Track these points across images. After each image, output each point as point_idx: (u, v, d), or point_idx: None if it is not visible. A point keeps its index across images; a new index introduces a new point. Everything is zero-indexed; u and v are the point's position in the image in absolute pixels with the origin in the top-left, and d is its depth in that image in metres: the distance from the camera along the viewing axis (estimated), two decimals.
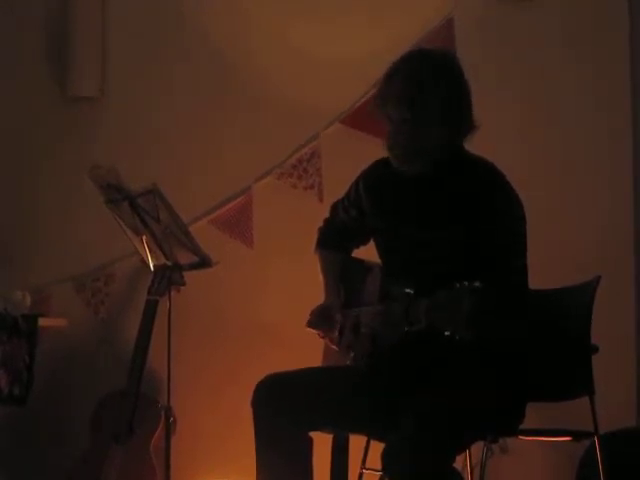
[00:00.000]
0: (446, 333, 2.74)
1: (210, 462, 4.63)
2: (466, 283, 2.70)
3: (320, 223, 3.54)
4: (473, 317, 2.69)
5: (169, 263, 3.91)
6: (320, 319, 3.29)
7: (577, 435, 3.48)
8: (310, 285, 3.43)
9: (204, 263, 3.89)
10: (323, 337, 3.32)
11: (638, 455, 4.17)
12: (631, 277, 4.71)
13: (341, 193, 3.44)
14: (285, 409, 3.09)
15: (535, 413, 3.23)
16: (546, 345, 3.35)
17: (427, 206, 3.10)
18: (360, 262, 3.42)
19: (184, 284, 3.95)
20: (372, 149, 3.30)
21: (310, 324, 3.30)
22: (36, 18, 4.86)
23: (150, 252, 3.92)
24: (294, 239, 4.52)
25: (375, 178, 3.28)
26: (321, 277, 3.41)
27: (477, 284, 2.69)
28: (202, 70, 4.82)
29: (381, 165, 3.27)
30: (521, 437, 3.36)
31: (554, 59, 4.74)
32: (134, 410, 3.95)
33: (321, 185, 4.73)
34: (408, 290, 2.93)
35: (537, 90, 4.74)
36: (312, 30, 4.80)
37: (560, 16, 4.75)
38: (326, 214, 3.52)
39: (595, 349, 3.43)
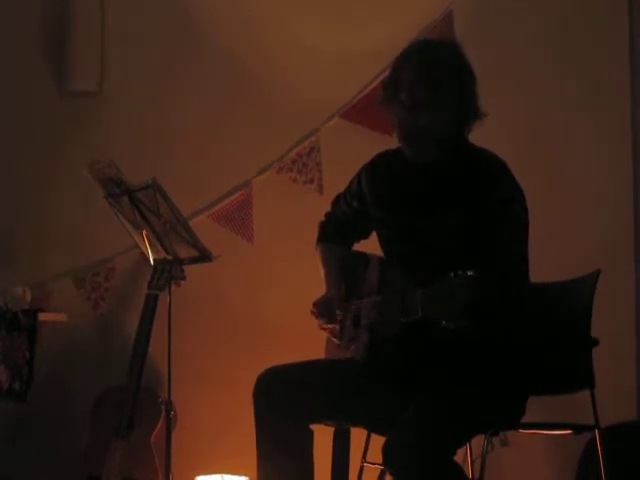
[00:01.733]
0: (443, 323, 2.75)
1: (211, 456, 4.63)
2: (460, 272, 2.70)
3: (320, 217, 3.54)
4: (468, 307, 2.69)
5: (169, 257, 3.90)
6: (322, 311, 3.29)
7: (578, 428, 3.47)
8: (310, 279, 3.42)
9: (204, 257, 3.88)
10: (324, 329, 3.32)
11: (639, 449, 4.18)
12: (631, 270, 4.72)
13: (341, 187, 3.44)
14: (286, 402, 3.10)
15: (536, 406, 3.24)
16: (547, 338, 3.35)
17: (429, 195, 3.10)
18: (360, 254, 3.42)
19: (184, 278, 3.94)
20: (372, 143, 3.31)
21: (313, 314, 3.30)
22: (35, 12, 4.85)
23: (150, 246, 3.91)
24: (294, 233, 4.52)
25: (377, 169, 3.28)
26: (322, 270, 3.41)
27: (471, 273, 2.69)
28: (201, 65, 4.82)
29: (382, 157, 3.28)
30: (522, 430, 3.36)
31: (554, 54, 4.74)
32: (135, 405, 3.94)
33: (321, 179, 4.74)
34: (407, 281, 2.93)
35: (536, 86, 4.75)
36: (312, 25, 4.80)
37: (560, 12, 4.75)
38: (326, 208, 3.52)
39: (595, 342, 3.43)
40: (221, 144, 4.80)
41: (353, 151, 3.38)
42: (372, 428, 3.38)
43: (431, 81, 3.01)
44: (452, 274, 2.71)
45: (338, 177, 3.54)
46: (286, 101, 4.75)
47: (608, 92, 4.77)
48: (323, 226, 3.52)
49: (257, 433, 3.13)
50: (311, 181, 4.74)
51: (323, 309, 3.27)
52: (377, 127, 4.50)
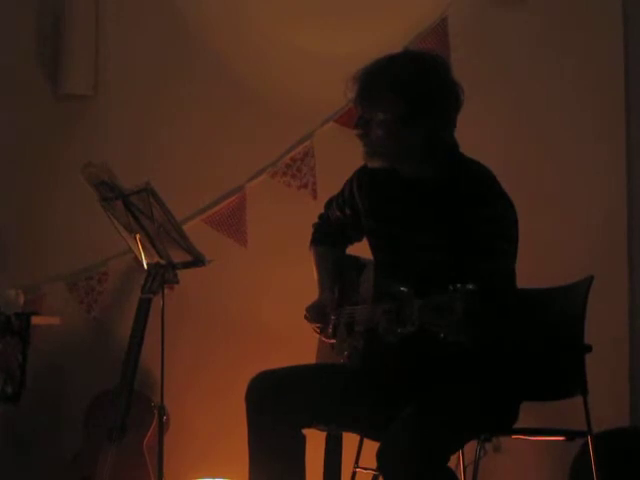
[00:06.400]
0: (440, 335, 2.74)
1: (203, 461, 4.63)
2: (459, 286, 2.69)
3: (314, 222, 3.53)
4: (466, 321, 2.69)
5: (163, 262, 3.90)
6: (315, 315, 3.29)
7: (570, 435, 3.48)
8: (304, 284, 3.42)
9: (198, 262, 3.87)
10: (318, 333, 3.32)
11: (631, 455, 4.18)
12: (624, 277, 4.71)
13: (335, 192, 3.44)
14: (278, 406, 3.09)
15: (529, 412, 3.24)
16: (539, 345, 3.35)
17: (419, 208, 3.10)
18: (354, 259, 3.42)
19: (178, 283, 3.94)
20: None
21: (307, 318, 3.30)
22: (29, 15, 4.85)
23: (144, 251, 3.91)
24: (288, 238, 4.52)
25: (368, 178, 3.28)
26: (315, 273, 3.41)
27: (470, 287, 2.69)
28: (196, 69, 4.82)
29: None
30: (514, 436, 3.36)
31: (550, 58, 4.75)
32: (127, 409, 3.94)
33: (315, 184, 4.73)
34: (403, 288, 2.93)
35: (532, 89, 4.75)
36: (306, 29, 4.80)
37: (559, 16, 4.75)
38: (320, 211, 3.52)
39: (588, 349, 3.43)
40: (215, 148, 4.80)
41: (348, 156, 3.37)
42: (365, 433, 3.38)
43: (366, 100, 3.14)
44: (451, 287, 2.70)
45: (332, 182, 3.53)
46: (280, 105, 4.75)
47: (603, 92, 4.77)
48: (316, 228, 3.52)
49: (249, 438, 3.13)
50: (305, 186, 4.74)
51: (316, 314, 3.28)
52: None
